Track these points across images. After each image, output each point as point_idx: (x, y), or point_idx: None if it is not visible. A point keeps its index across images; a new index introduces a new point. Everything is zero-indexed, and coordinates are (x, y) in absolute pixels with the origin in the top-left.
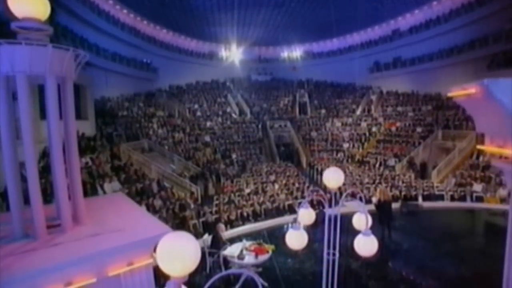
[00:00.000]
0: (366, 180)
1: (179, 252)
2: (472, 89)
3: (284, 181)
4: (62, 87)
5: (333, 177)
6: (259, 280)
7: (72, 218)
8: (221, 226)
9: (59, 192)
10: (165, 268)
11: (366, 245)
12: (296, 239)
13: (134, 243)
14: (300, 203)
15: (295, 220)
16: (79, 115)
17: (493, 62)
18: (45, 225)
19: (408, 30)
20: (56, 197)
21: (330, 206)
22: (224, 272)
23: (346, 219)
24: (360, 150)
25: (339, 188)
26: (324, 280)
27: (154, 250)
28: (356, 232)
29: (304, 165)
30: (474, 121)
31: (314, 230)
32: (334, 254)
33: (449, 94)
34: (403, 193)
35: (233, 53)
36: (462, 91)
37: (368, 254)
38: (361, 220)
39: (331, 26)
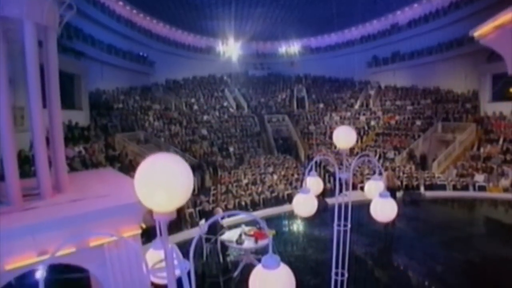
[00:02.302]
0: (366, 171)
1: (165, 179)
2: (507, 16)
3: (283, 172)
4: (44, 40)
5: (343, 137)
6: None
7: (53, 188)
8: (219, 210)
9: (38, 159)
10: (145, 200)
11: (384, 209)
12: (304, 205)
13: (119, 208)
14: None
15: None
16: (73, 105)
17: (493, 53)
18: (21, 193)
19: (407, 24)
20: (35, 165)
21: (340, 169)
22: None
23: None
24: (359, 143)
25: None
26: (335, 252)
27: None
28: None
29: (303, 158)
30: (505, 60)
31: (314, 219)
32: (345, 225)
33: (475, 34)
34: (404, 183)
35: (230, 48)
36: (492, 23)
37: (387, 219)
38: (376, 185)
39: (330, 20)
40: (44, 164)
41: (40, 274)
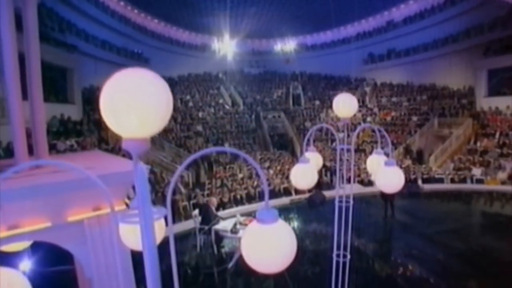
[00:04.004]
0: (363, 165)
1: (136, 98)
2: None
3: (278, 167)
4: (23, 7)
5: (344, 105)
6: None
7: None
8: (213, 200)
9: (14, 123)
10: (112, 122)
11: (391, 178)
12: (303, 176)
13: (101, 178)
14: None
15: (291, 201)
16: (66, 99)
17: (489, 49)
18: None
19: (403, 21)
20: (11, 130)
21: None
22: None
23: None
24: (355, 139)
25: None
26: (336, 227)
27: (129, 199)
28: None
29: (299, 154)
30: None
31: (312, 212)
32: (347, 202)
33: None
34: None
35: (225, 46)
36: None
37: (394, 189)
38: (378, 159)
39: (325, 18)
40: (20, 126)
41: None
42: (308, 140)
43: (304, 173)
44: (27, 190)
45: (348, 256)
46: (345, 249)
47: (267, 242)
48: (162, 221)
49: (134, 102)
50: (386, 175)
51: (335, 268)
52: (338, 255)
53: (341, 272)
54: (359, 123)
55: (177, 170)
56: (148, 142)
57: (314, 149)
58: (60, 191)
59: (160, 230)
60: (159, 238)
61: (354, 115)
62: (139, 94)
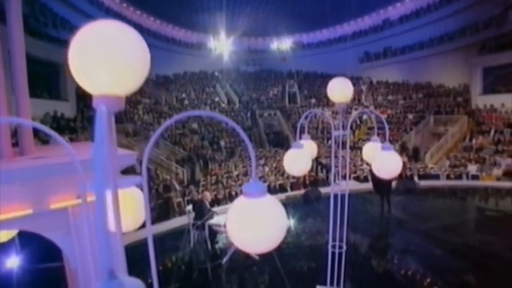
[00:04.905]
0: (359, 162)
1: (109, 50)
2: None
3: (274, 165)
4: None
5: (338, 89)
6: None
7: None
8: (207, 194)
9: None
10: (81, 78)
11: (388, 163)
12: (297, 161)
13: (87, 162)
14: (292, 183)
15: (287, 198)
16: (59, 96)
17: (484, 47)
18: None
19: (399, 19)
20: None
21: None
22: None
23: None
24: (351, 137)
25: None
26: (332, 211)
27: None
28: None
29: None
30: None
31: (307, 208)
32: (343, 189)
33: None
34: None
35: (221, 44)
36: None
37: (391, 175)
38: (373, 147)
39: (321, 16)
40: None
41: None
42: (302, 127)
43: (298, 159)
44: (5, 173)
45: (344, 247)
46: (340, 240)
47: (254, 218)
48: (136, 190)
49: (105, 55)
50: (383, 159)
51: (330, 260)
52: (333, 246)
53: (336, 263)
54: (355, 121)
55: (170, 166)
56: (123, 102)
57: (308, 137)
58: (42, 175)
59: (134, 200)
60: (133, 209)
61: (350, 113)
62: (110, 46)
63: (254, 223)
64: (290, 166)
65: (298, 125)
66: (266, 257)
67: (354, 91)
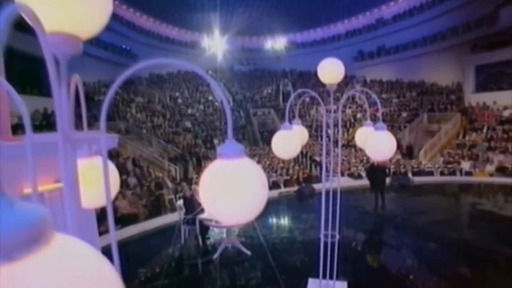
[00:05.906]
0: (353, 160)
1: None
2: None
3: (268, 162)
4: None
5: (329, 70)
6: (242, 248)
7: None
8: (197, 189)
9: None
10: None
11: (381, 143)
12: (285, 143)
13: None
14: (286, 180)
15: (280, 194)
16: (49, 92)
17: (477, 46)
18: None
19: (392, 18)
20: None
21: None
22: None
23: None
24: (346, 135)
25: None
26: (324, 204)
27: None
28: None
29: None
30: None
31: (301, 204)
32: (334, 176)
33: None
34: (392, 170)
35: (215, 43)
36: None
37: (385, 156)
38: (366, 131)
39: (315, 15)
40: None
41: None
42: (292, 110)
43: (286, 141)
44: None
45: (337, 236)
46: (333, 231)
47: (230, 182)
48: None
49: None
50: (377, 140)
51: (323, 250)
52: (326, 236)
53: (329, 256)
54: (349, 120)
55: (163, 164)
56: (80, 45)
57: (299, 121)
58: (13, 156)
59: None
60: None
61: (344, 111)
62: None
63: (231, 188)
64: (277, 149)
65: (287, 105)
66: (258, 253)
67: (347, 90)
